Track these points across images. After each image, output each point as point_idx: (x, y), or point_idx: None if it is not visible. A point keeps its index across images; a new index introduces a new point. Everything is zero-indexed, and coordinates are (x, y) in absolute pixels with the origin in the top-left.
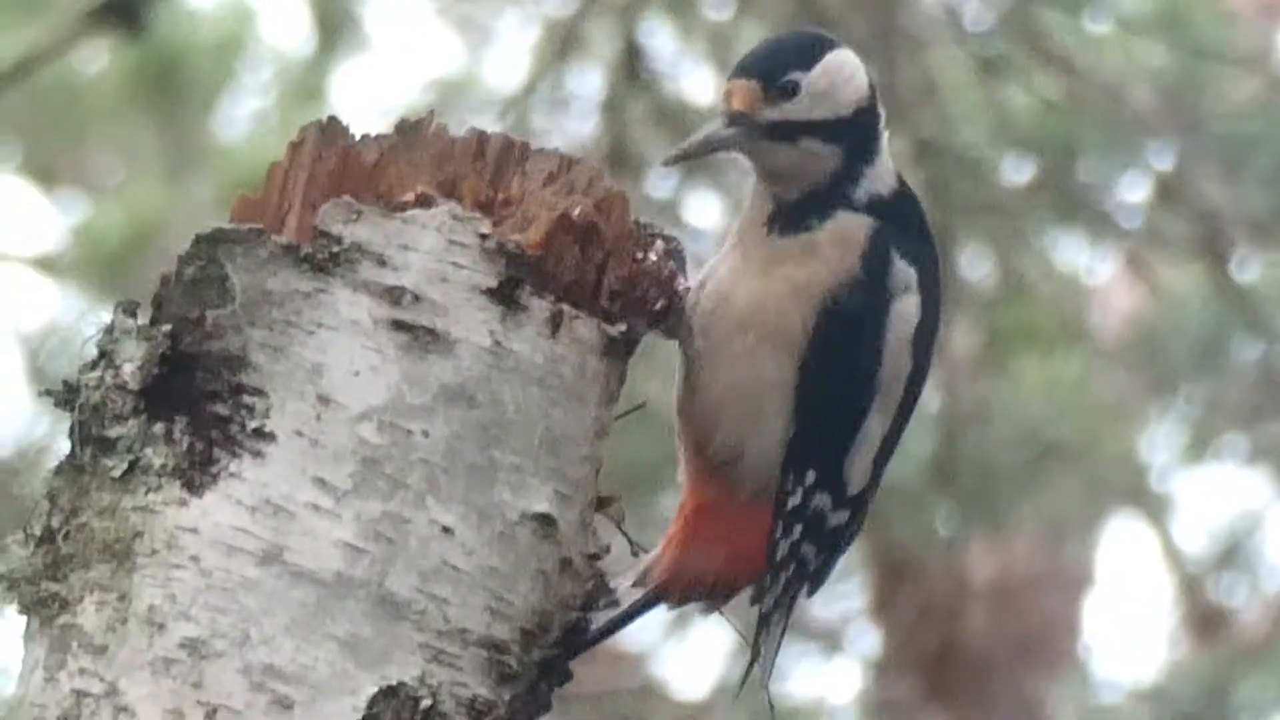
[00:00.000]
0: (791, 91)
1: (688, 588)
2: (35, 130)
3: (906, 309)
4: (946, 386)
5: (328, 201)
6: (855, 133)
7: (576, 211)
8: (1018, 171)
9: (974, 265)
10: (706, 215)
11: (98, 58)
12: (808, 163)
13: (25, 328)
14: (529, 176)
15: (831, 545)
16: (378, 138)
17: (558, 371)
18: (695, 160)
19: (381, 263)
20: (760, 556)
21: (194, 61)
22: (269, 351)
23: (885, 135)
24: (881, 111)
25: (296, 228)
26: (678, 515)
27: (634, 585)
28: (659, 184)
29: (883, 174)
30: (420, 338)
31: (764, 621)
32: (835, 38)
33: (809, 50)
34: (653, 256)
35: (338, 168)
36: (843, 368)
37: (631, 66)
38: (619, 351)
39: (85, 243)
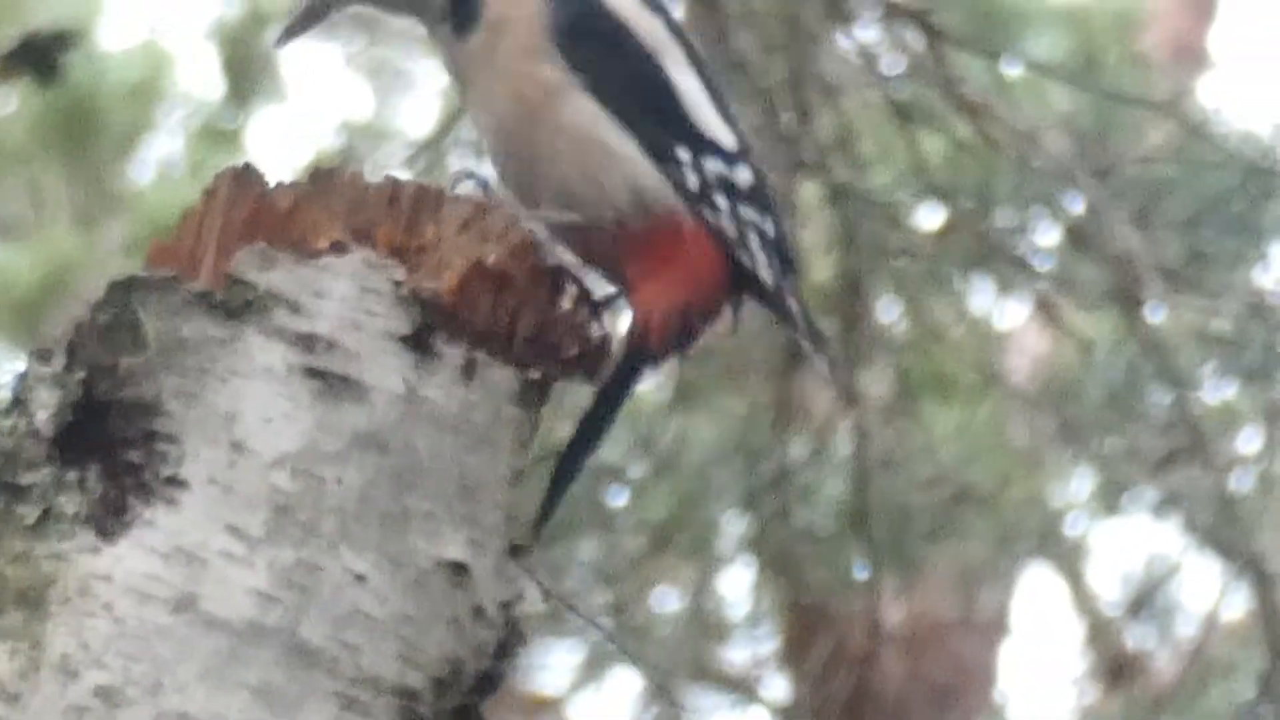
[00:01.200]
0: None
1: (665, 329)
2: None
3: None
4: (859, 430)
5: (242, 248)
6: None
7: (490, 259)
8: (930, 216)
9: (886, 310)
10: None
11: (9, 101)
12: None
13: None
14: (443, 223)
15: (764, 204)
16: (292, 185)
17: (471, 418)
18: (309, 29)
19: (295, 310)
20: (709, 262)
21: (107, 106)
22: (183, 398)
23: None
24: None
25: (211, 274)
26: (628, 294)
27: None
28: None
29: None
30: (334, 385)
31: (778, 299)
32: None
33: None
34: (566, 304)
35: (252, 214)
36: (613, 64)
37: None
38: (532, 398)
39: None
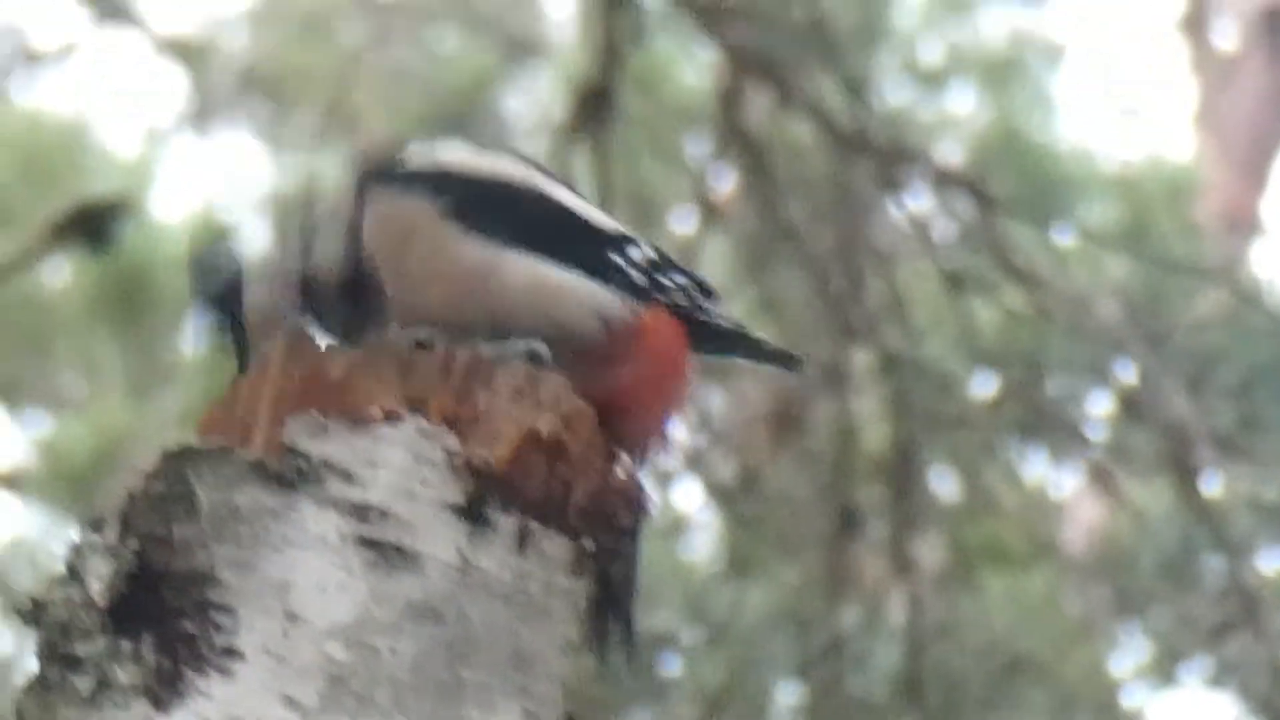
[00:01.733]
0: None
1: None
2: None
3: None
4: (912, 599)
5: (295, 417)
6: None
7: (544, 428)
8: (983, 385)
9: (939, 479)
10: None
11: (64, 272)
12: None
13: None
14: (496, 392)
15: (670, 262)
16: (345, 353)
17: (525, 588)
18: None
19: (349, 479)
20: (679, 335)
21: (160, 276)
22: (237, 568)
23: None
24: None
25: (264, 444)
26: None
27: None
28: None
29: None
30: (387, 554)
31: (742, 335)
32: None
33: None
34: (620, 473)
35: (305, 383)
36: (511, 215)
37: None
38: (587, 568)
39: (51, 459)
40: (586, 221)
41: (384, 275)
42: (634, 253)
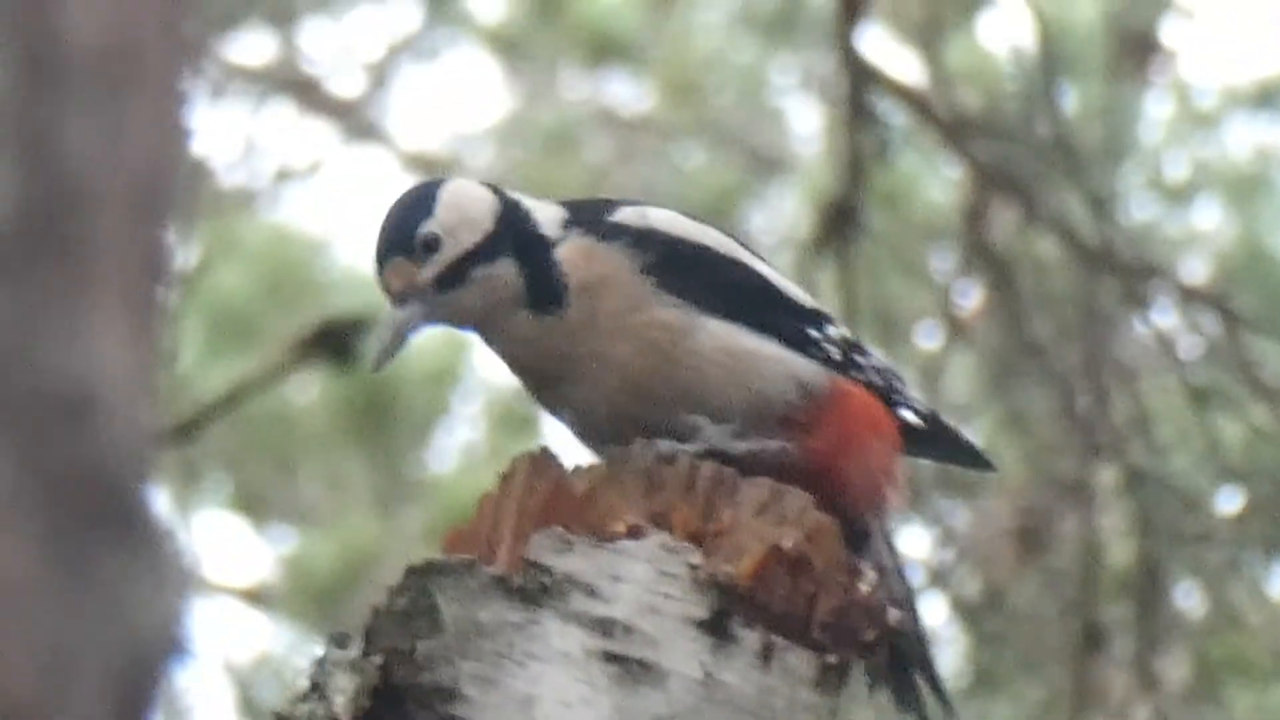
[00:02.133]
0: (433, 243)
1: (893, 477)
2: (245, 462)
3: (658, 213)
4: (1158, 714)
5: (538, 532)
6: (510, 235)
7: (788, 543)
8: (1229, 501)
9: (1184, 595)
10: (916, 546)
11: (309, 389)
12: (493, 286)
13: (235, 659)
14: (740, 506)
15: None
16: (588, 468)
17: (769, 704)
18: (398, 353)
19: (592, 594)
20: (881, 410)
21: (405, 392)
22: (480, 683)
23: (538, 211)
24: (517, 196)
25: (507, 558)
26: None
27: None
28: None
29: (565, 246)
30: (632, 669)
31: (939, 424)
32: (442, 176)
33: (422, 200)
34: (864, 587)
35: (548, 498)
36: (712, 281)
37: None
38: (831, 683)
39: (296, 574)
40: (785, 294)
41: (574, 318)
42: (830, 330)
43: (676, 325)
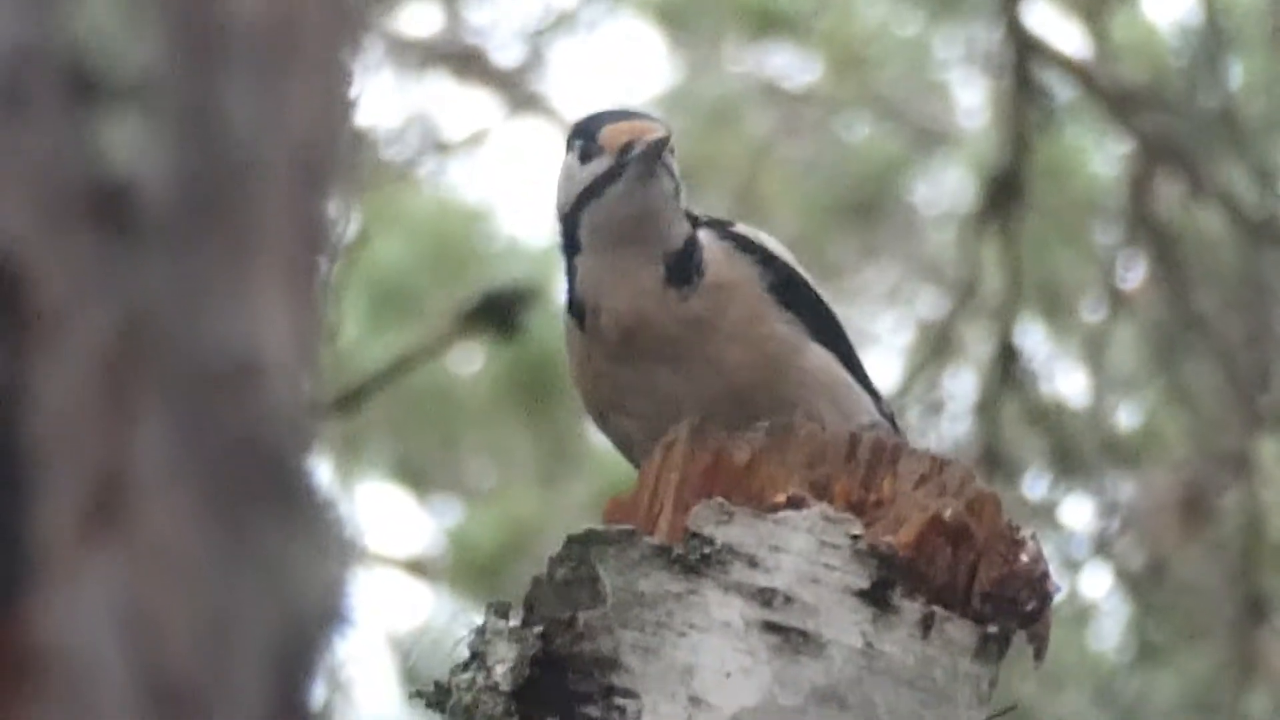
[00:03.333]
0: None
1: None
2: (408, 434)
3: (770, 238)
4: None
5: (699, 502)
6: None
7: (948, 513)
8: None
9: None
10: (1080, 518)
11: (472, 360)
12: (672, 195)
13: (397, 630)
14: (900, 478)
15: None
16: (749, 438)
17: (929, 674)
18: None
19: (753, 564)
20: None
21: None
22: (640, 653)
23: None
24: None
25: (668, 529)
26: None
27: None
28: (1033, 485)
29: (705, 234)
30: (792, 639)
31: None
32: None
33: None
34: (1025, 558)
35: (710, 468)
36: (817, 315)
37: (1006, 368)
38: (991, 653)
39: (459, 547)
40: (856, 353)
41: (698, 306)
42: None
43: (792, 342)
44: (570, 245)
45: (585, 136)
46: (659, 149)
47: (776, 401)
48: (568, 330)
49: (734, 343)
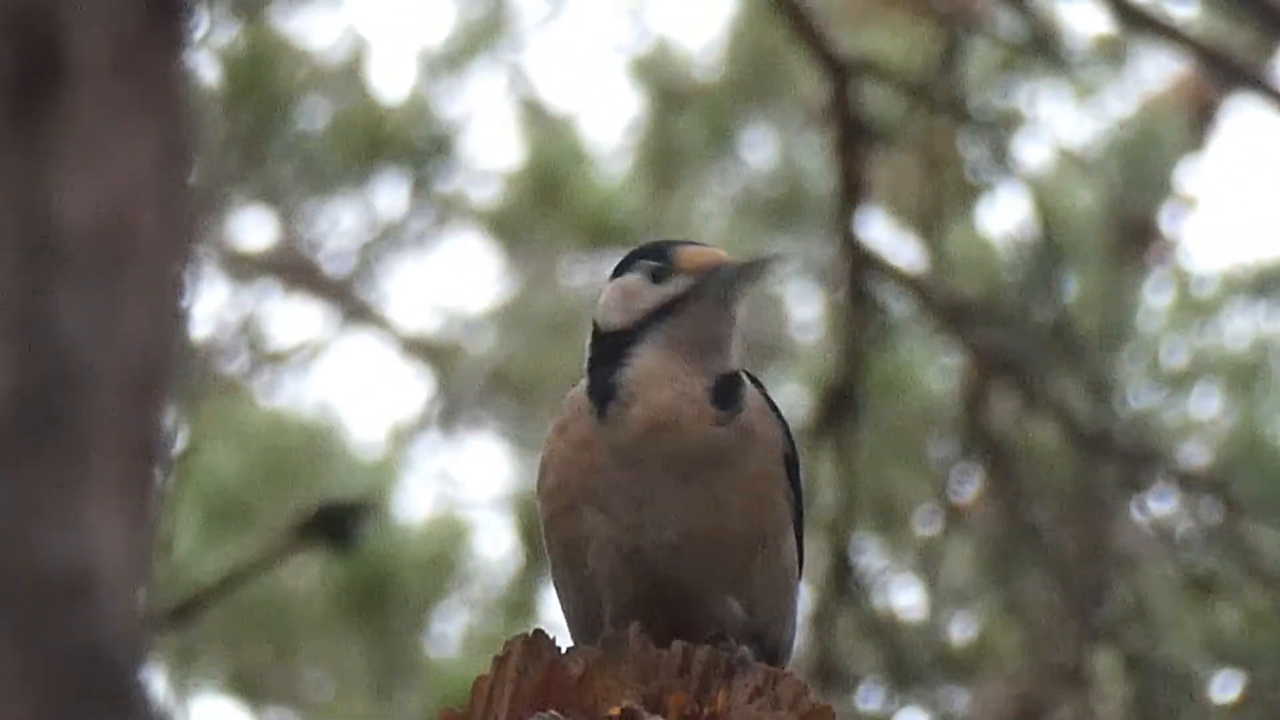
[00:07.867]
0: None
1: None
2: (243, 646)
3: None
4: None
5: (533, 715)
6: None
7: None
8: (1227, 687)
9: None
10: None
11: (307, 572)
12: (730, 322)
13: None
14: (734, 691)
15: None
16: (583, 651)
17: None
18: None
19: None
20: None
21: (404, 578)
22: None
23: None
24: None
25: None
26: None
27: None
28: (868, 698)
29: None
30: None
31: None
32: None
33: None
34: None
35: (543, 682)
36: (798, 511)
37: (841, 581)
38: None
39: None
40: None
41: (725, 441)
42: None
43: (784, 521)
44: (610, 353)
45: (657, 259)
46: (759, 270)
47: (742, 572)
48: (574, 413)
49: (744, 490)
